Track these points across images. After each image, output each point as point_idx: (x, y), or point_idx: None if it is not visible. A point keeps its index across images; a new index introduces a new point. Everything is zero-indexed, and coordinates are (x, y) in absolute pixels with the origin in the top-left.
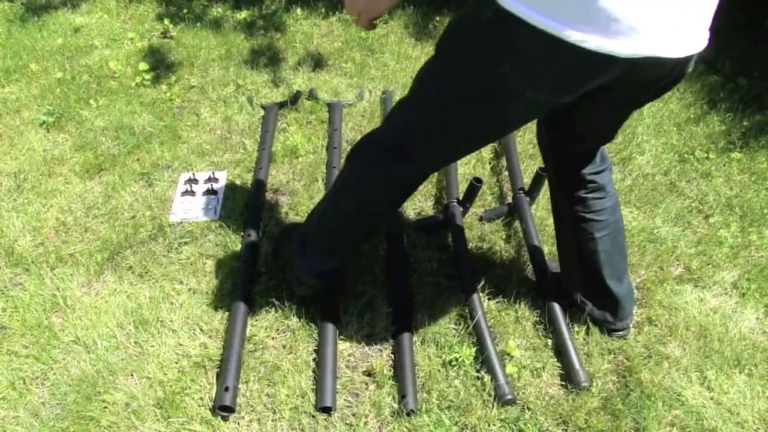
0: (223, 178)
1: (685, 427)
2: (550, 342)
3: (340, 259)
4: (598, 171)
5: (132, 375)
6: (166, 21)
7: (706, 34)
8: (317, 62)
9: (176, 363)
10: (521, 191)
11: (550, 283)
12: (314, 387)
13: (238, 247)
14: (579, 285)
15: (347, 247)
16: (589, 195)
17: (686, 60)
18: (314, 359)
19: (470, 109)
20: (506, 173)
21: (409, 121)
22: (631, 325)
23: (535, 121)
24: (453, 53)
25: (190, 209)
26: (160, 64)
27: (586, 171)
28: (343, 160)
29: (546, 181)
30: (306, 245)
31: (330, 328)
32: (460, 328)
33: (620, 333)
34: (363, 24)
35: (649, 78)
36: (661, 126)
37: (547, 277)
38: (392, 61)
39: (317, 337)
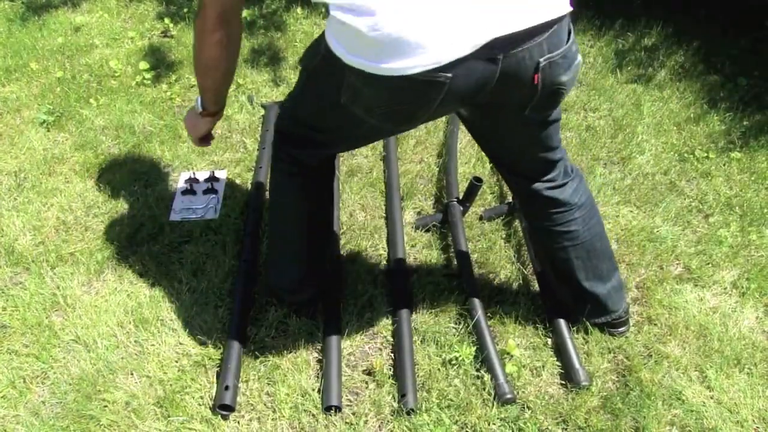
0: (223, 177)
1: (684, 426)
2: (549, 341)
3: (308, 264)
4: (557, 186)
5: (132, 374)
6: (167, 20)
7: (530, 13)
8: None
9: (176, 362)
10: None
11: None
12: (315, 386)
13: (239, 246)
14: (556, 286)
15: (303, 249)
16: (552, 210)
17: (547, 65)
18: (315, 358)
19: (327, 123)
20: None
21: (288, 111)
22: (628, 320)
23: None
24: (306, 77)
25: (190, 208)
26: (160, 63)
27: (542, 187)
28: (341, 160)
29: None
30: (275, 263)
31: (333, 326)
32: (460, 327)
33: (620, 330)
34: (195, 144)
35: (513, 93)
36: (660, 125)
37: (547, 276)
38: None
39: (318, 336)
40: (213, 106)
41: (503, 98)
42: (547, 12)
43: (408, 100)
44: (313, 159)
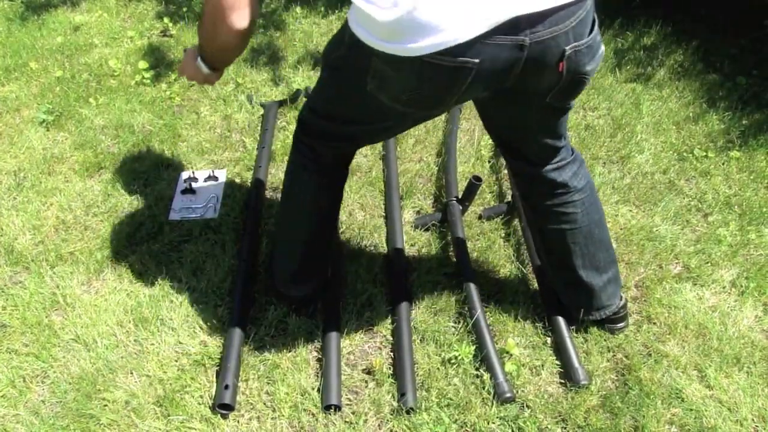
0: (222, 177)
1: (684, 425)
2: (549, 340)
3: (305, 260)
4: (556, 168)
5: (132, 373)
6: (166, 19)
7: None
8: (317, 61)
9: (176, 361)
10: None
11: (548, 281)
12: (314, 385)
13: (238, 245)
14: (552, 275)
15: (303, 244)
16: (550, 192)
17: (572, 54)
18: (314, 357)
19: (352, 114)
20: (505, 172)
21: (312, 103)
22: (626, 315)
23: None
24: (329, 70)
25: (189, 207)
26: (159, 63)
27: (543, 170)
28: None
29: None
30: (275, 255)
31: (333, 325)
32: (460, 326)
33: (618, 326)
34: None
35: (538, 80)
36: (660, 124)
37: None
38: None
39: (318, 335)
40: (217, 65)
41: (526, 85)
42: None
43: (435, 85)
44: (333, 152)
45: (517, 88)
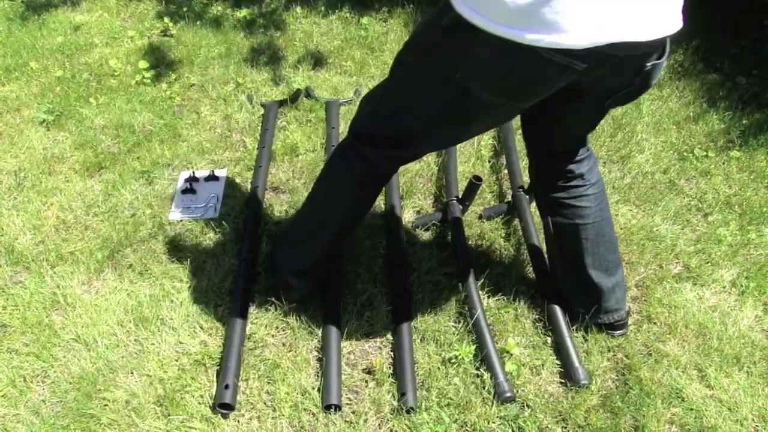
0: (223, 177)
1: (684, 424)
2: (549, 340)
3: (326, 257)
4: (576, 160)
5: (132, 373)
6: (166, 19)
7: (667, 22)
8: (317, 60)
9: (176, 361)
10: (521, 189)
11: (549, 280)
12: (314, 384)
13: (238, 245)
14: (562, 275)
15: (321, 245)
16: (568, 184)
17: (650, 69)
18: (315, 357)
19: (428, 106)
20: (506, 171)
21: (377, 106)
22: (627, 322)
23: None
24: (416, 54)
25: (190, 207)
26: (160, 63)
27: (564, 162)
28: None
29: None
30: (293, 244)
31: (333, 325)
32: (460, 325)
33: (618, 333)
34: None
35: (610, 85)
36: (660, 124)
37: (547, 274)
38: (392, 60)
39: (318, 335)
40: None
41: (597, 86)
42: (669, 26)
43: (538, 77)
44: (392, 162)
45: (588, 87)
